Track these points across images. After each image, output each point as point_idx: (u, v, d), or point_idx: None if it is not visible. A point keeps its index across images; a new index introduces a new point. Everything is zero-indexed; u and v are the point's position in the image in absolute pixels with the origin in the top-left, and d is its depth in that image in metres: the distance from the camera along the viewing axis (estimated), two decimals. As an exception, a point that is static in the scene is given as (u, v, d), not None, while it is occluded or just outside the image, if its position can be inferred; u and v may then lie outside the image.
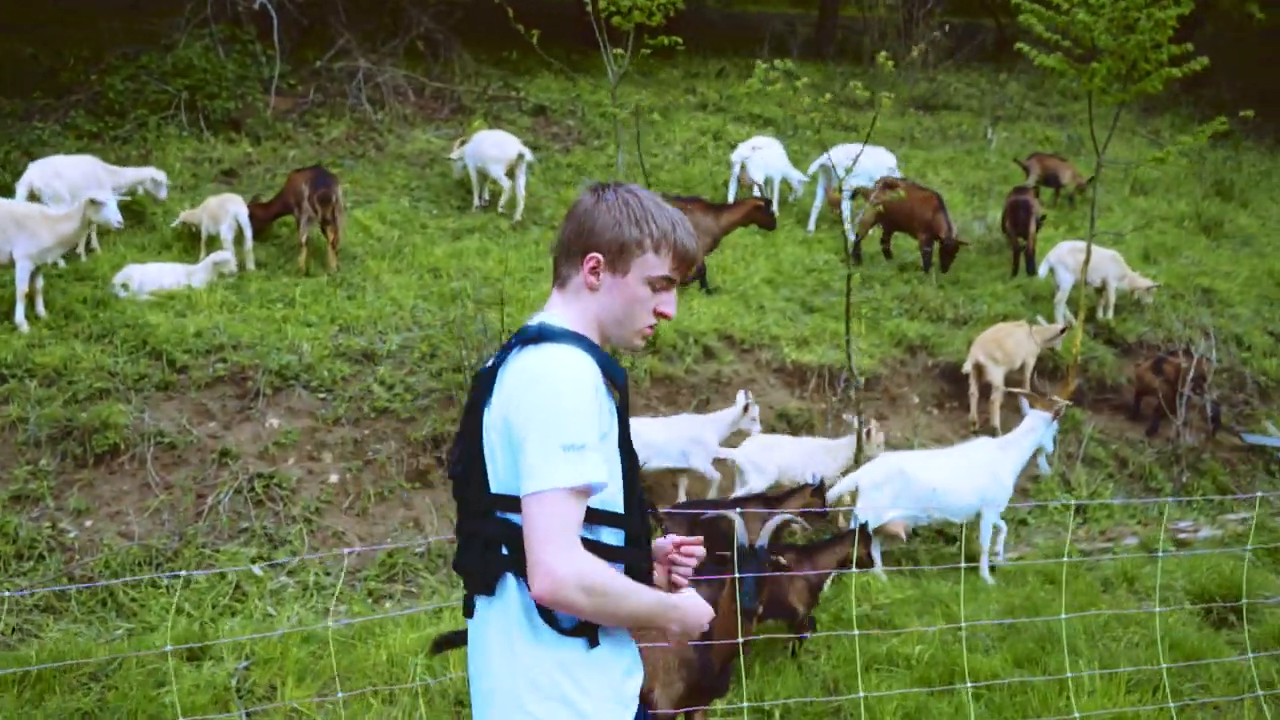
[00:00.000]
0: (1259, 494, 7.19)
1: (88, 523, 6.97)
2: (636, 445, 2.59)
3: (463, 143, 12.90)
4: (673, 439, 7.75)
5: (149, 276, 9.27)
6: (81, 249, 9.83)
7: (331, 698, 5.34)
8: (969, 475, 7.31)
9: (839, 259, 11.61)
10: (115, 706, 5.24)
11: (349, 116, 14.52)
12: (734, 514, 4.63)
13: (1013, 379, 9.62)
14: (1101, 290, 10.56)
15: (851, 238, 11.97)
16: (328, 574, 6.93)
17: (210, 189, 11.81)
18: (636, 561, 2.38)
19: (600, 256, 2.38)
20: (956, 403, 9.49)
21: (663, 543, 2.65)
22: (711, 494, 7.90)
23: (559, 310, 2.43)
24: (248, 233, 10.14)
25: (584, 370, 2.26)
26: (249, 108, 13.82)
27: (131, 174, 10.90)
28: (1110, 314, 10.55)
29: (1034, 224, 11.24)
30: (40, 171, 10.06)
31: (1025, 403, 7.97)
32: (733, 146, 13.69)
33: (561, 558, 2.16)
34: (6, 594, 6.16)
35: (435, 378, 8.31)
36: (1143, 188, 14.91)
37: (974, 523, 7.43)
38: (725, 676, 4.74)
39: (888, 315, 10.12)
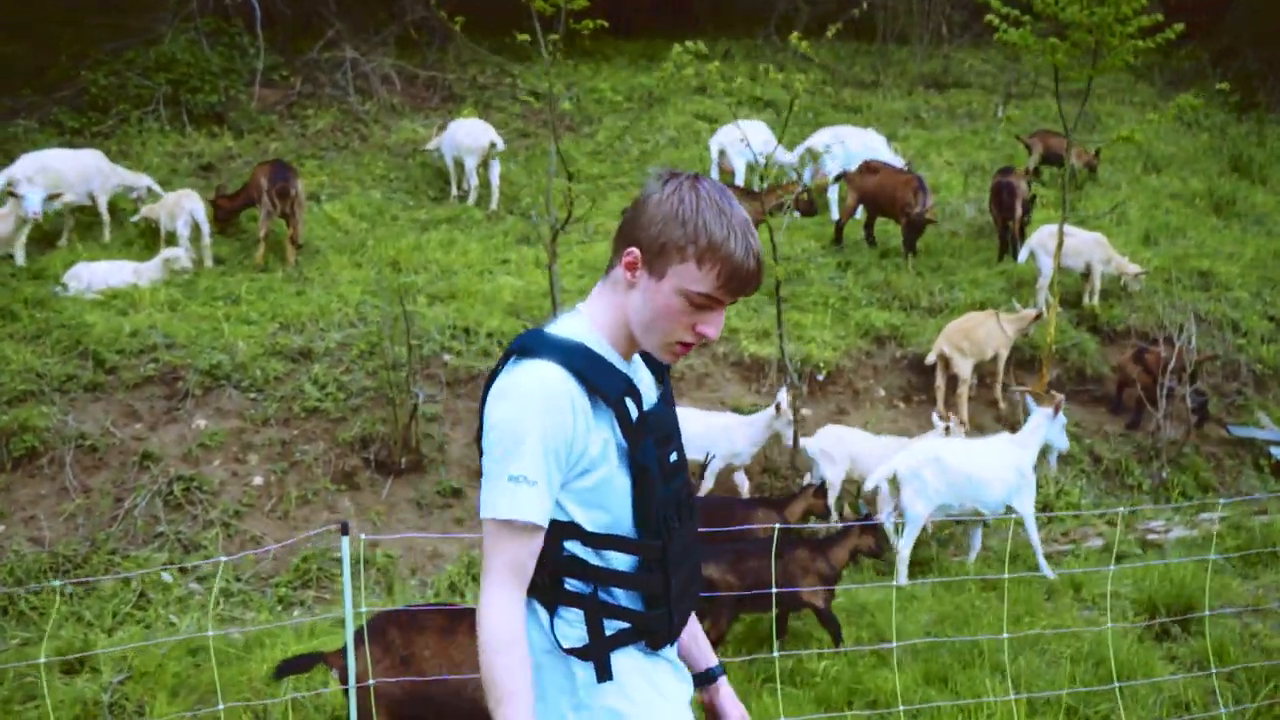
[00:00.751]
0: (1222, 499, 6.74)
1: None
2: None
3: (440, 130, 12.71)
4: (703, 432, 7.53)
5: (97, 275, 9.20)
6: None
7: (203, 711, 5.17)
8: (1000, 469, 7.12)
9: (819, 246, 11.23)
10: (-23, 722, 5.12)
11: (336, 108, 14.40)
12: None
13: (986, 371, 9.22)
14: (1087, 276, 10.06)
15: (835, 218, 11.61)
16: (239, 579, 6.78)
17: (188, 184, 11.74)
18: (653, 590, 2.19)
19: (638, 252, 2.15)
20: (925, 396, 9.09)
21: (729, 712, 2.50)
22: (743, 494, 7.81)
23: (592, 303, 2.25)
24: (205, 229, 10.05)
25: (550, 390, 2.07)
26: (233, 101, 13.75)
27: (128, 178, 10.94)
28: (1095, 300, 10.05)
29: (1020, 206, 10.76)
30: (24, 166, 10.05)
31: (1030, 400, 7.64)
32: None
33: (487, 590, 2.10)
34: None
35: (372, 376, 8.12)
36: (1155, 165, 14.27)
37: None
38: None
39: (857, 305, 9.73)
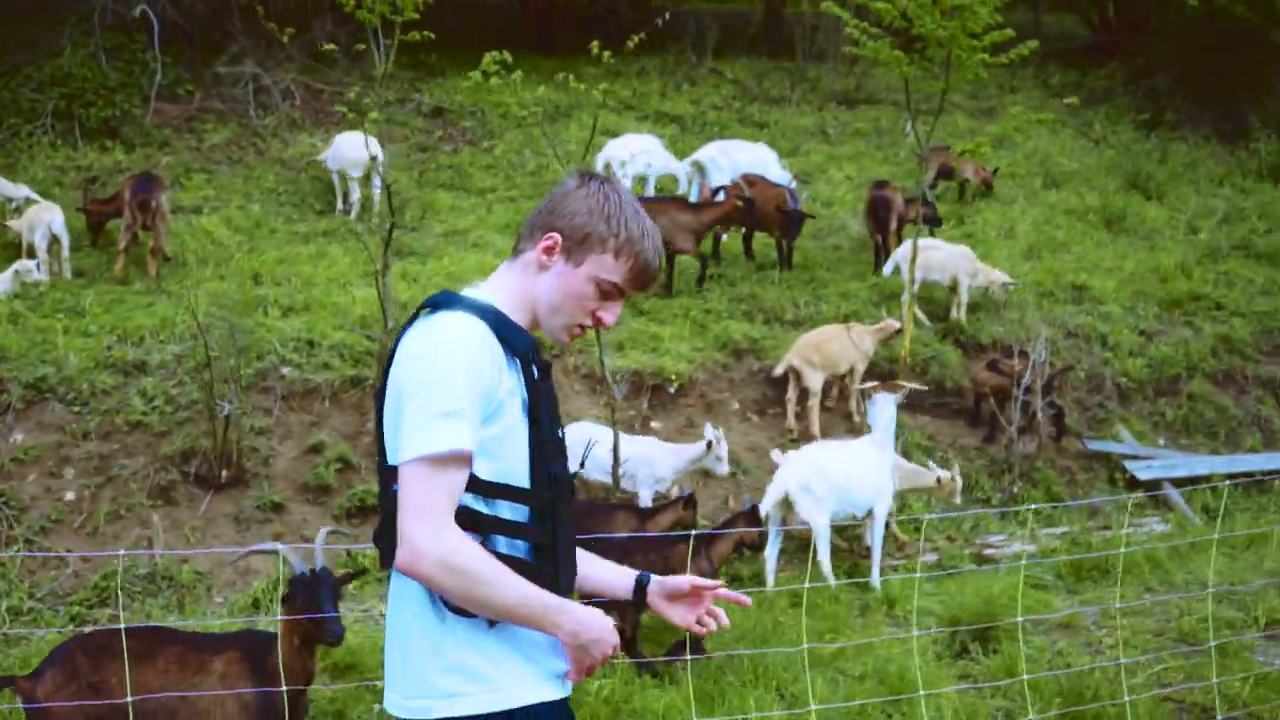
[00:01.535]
0: (1028, 507, 6.68)
1: None
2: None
3: (328, 144, 12.61)
4: (625, 456, 7.39)
5: (-59, 288, 9.04)
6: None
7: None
8: (869, 473, 7.24)
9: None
10: None
11: (235, 122, 14.29)
12: (283, 548, 4.25)
13: (842, 384, 9.16)
14: (954, 289, 10.03)
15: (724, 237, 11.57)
16: (33, 597, 6.62)
17: (74, 197, 11.61)
18: (541, 540, 2.25)
19: (559, 238, 2.31)
20: (780, 409, 9.00)
21: (679, 583, 2.47)
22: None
23: (496, 280, 2.36)
24: (64, 241, 9.95)
25: (471, 335, 2.18)
26: (127, 115, 13.61)
27: (7, 188, 10.85)
28: (962, 313, 10.01)
29: (894, 220, 10.74)
30: None
31: (878, 398, 7.60)
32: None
33: (425, 530, 2.09)
34: None
35: (204, 389, 7.97)
36: (1054, 181, 14.30)
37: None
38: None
39: (718, 318, 9.66)
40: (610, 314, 2.35)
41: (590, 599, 2.50)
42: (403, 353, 2.22)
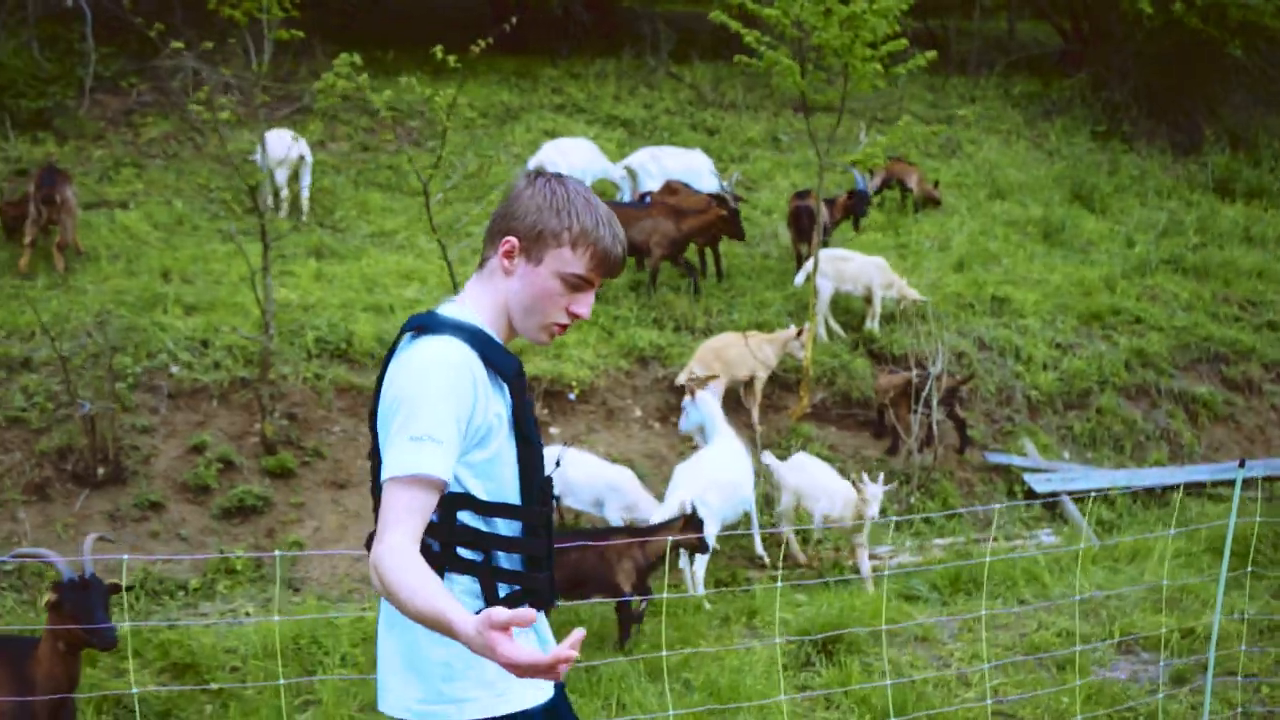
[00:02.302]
0: (886, 517, 6.62)
1: None
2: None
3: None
4: (592, 481, 7.30)
5: None
6: None
7: None
8: (744, 467, 7.35)
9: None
10: None
11: (176, 116, 14.22)
12: (52, 555, 4.19)
13: (745, 392, 9.09)
14: (869, 299, 9.97)
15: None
16: (-115, 595, 6.55)
17: (4, 189, 11.56)
18: (535, 552, 2.38)
19: (516, 241, 2.36)
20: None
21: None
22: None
23: (469, 293, 2.42)
24: (-28, 236, 9.88)
25: (452, 361, 2.24)
26: (61, 107, 13.55)
27: None
28: (876, 324, 9.95)
29: (820, 230, 10.66)
30: None
31: (702, 394, 7.77)
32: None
33: (382, 541, 2.17)
34: None
35: (89, 387, 7.91)
36: (999, 191, 14.24)
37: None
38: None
39: (626, 324, 9.59)
40: (583, 306, 2.39)
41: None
42: (389, 377, 2.31)
